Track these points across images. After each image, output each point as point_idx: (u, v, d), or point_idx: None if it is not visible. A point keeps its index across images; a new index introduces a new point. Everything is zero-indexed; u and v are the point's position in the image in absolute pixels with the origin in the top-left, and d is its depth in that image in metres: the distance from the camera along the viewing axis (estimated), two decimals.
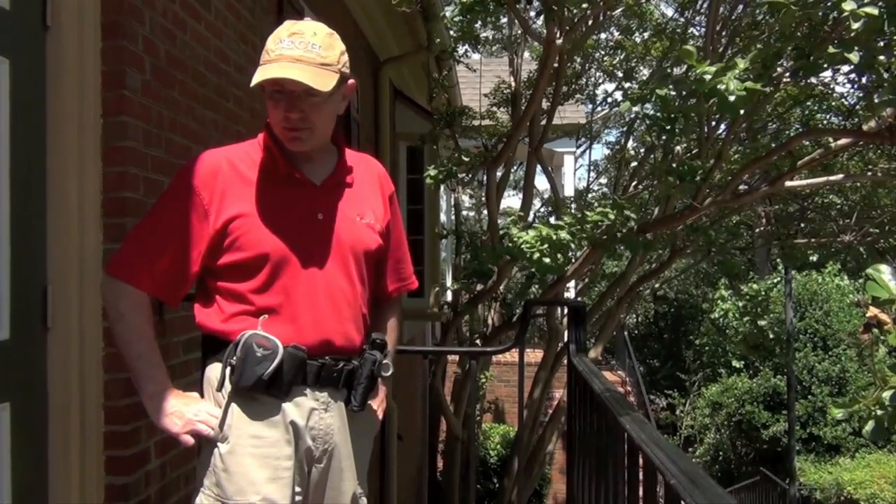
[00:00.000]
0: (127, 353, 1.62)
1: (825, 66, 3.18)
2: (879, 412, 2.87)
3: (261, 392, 1.58)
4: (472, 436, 6.22)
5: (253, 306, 1.62)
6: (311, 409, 1.64)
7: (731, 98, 2.74)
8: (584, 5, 3.99)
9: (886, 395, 2.82)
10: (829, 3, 2.79)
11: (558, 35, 4.36)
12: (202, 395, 1.67)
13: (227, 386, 1.60)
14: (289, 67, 1.57)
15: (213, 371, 1.65)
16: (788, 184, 4.85)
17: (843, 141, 4.67)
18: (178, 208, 1.62)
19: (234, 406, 1.61)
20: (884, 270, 2.44)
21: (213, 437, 1.59)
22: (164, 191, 1.71)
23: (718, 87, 2.76)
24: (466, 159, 5.36)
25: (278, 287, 1.62)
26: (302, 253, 1.64)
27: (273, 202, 1.64)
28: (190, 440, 1.60)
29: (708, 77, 2.78)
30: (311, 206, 1.68)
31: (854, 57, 2.78)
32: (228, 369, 1.59)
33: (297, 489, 1.62)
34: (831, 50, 2.84)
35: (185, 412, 1.60)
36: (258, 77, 1.59)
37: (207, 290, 1.67)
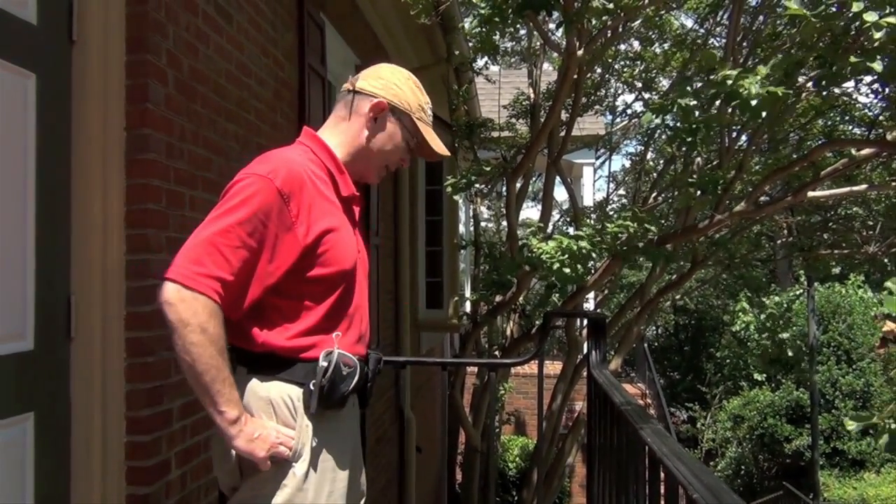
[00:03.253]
0: (214, 378, 1.48)
1: (848, 75, 3.15)
2: (894, 425, 2.86)
3: (336, 408, 1.63)
4: (491, 447, 6.20)
5: (323, 321, 1.62)
6: (352, 414, 1.74)
7: (753, 102, 2.73)
8: (605, 17, 3.99)
9: None
10: (850, 14, 2.77)
11: (578, 46, 4.36)
12: (251, 413, 1.59)
13: (313, 406, 1.59)
14: (443, 147, 1.82)
15: (273, 390, 1.59)
16: (811, 194, 4.81)
17: (866, 151, 4.62)
18: (259, 216, 1.53)
19: (309, 424, 1.60)
20: None
21: (290, 458, 1.58)
22: (238, 194, 1.54)
23: (739, 90, 2.75)
24: (487, 169, 5.36)
25: (346, 303, 1.67)
26: (357, 270, 1.71)
27: (343, 219, 1.70)
28: (269, 464, 1.56)
29: (729, 81, 2.78)
30: (355, 225, 1.77)
31: (877, 66, 2.76)
32: (317, 390, 1.58)
33: None
34: (853, 59, 2.82)
35: (267, 436, 1.55)
36: (436, 147, 1.79)
37: (262, 306, 1.59)
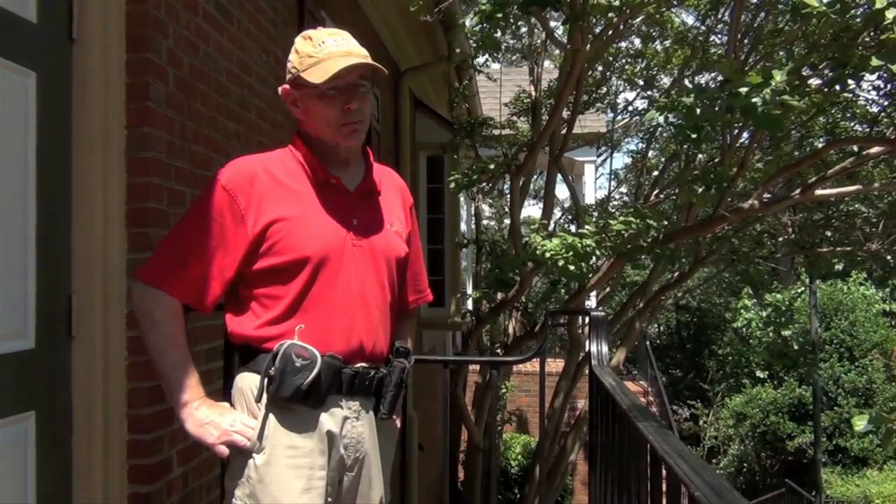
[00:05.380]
0: (161, 363, 1.59)
1: (862, 75, 3.13)
2: None
3: (298, 402, 1.58)
4: (493, 445, 6.19)
5: (288, 312, 1.61)
6: (345, 418, 1.65)
7: (769, 112, 2.69)
8: (610, 14, 3.98)
9: None
10: (868, 11, 2.74)
11: (583, 43, 4.35)
12: (232, 405, 1.66)
13: (264, 396, 1.59)
14: (346, 60, 1.61)
15: (246, 381, 1.63)
16: (819, 192, 4.80)
17: (877, 149, 4.61)
18: (212, 214, 1.60)
19: (270, 416, 1.59)
20: None
21: (249, 448, 1.58)
22: (198, 197, 1.67)
23: (756, 103, 2.70)
24: (492, 167, 5.36)
25: (315, 292, 1.62)
26: (339, 258, 1.64)
27: (311, 207, 1.65)
28: (225, 451, 1.58)
29: (744, 90, 2.73)
30: (346, 212, 1.69)
31: None
32: (266, 379, 1.57)
33: (329, 498, 1.63)
34: (875, 62, 2.79)
35: (220, 423, 1.58)
36: (326, 73, 1.59)
37: (239, 299, 1.65)
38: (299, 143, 1.72)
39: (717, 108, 3.11)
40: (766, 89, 2.71)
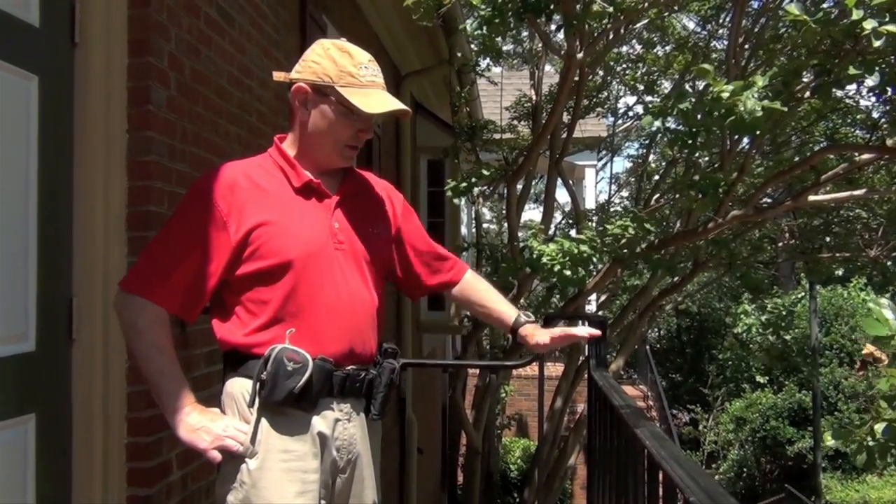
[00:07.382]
0: (147, 370, 1.59)
1: (846, 84, 3.15)
2: (871, 443, 2.90)
3: (290, 406, 1.59)
4: (493, 449, 6.19)
5: (276, 317, 1.62)
6: (336, 420, 1.66)
7: (750, 117, 2.71)
8: (605, 20, 3.99)
9: (879, 427, 2.85)
10: (849, 22, 2.76)
11: (579, 49, 4.36)
12: (222, 410, 1.66)
13: (257, 401, 1.60)
14: (390, 98, 1.68)
15: (236, 386, 1.64)
16: (812, 198, 4.81)
17: (867, 156, 4.63)
18: (194, 221, 1.61)
19: (262, 421, 1.60)
20: (885, 305, 2.45)
21: (242, 453, 1.58)
22: (179, 204, 1.69)
23: (736, 107, 2.72)
24: (487, 173, 5.36)
25: (302, 296, 1.62)
26: (323, 262, 1.65)
27: (292, 212, 1.66)
28: (217, 456, 1.58)
29: (725, 95, 2.75)
30: (328, 216, 1.70)
31: (871, 81, 2.76)
32: (258, 384, 1.58)
33: (322, 501, 1.64)
34: (852, 71, 2.82)
35: (212, 428, 1.58)
36: (372, 107, 1.64)
37: (225, 305, 1.66)
38: (280, 147, 1.73)
39: (698, 115, 3.14)
40: (748, 93, 2.73)
